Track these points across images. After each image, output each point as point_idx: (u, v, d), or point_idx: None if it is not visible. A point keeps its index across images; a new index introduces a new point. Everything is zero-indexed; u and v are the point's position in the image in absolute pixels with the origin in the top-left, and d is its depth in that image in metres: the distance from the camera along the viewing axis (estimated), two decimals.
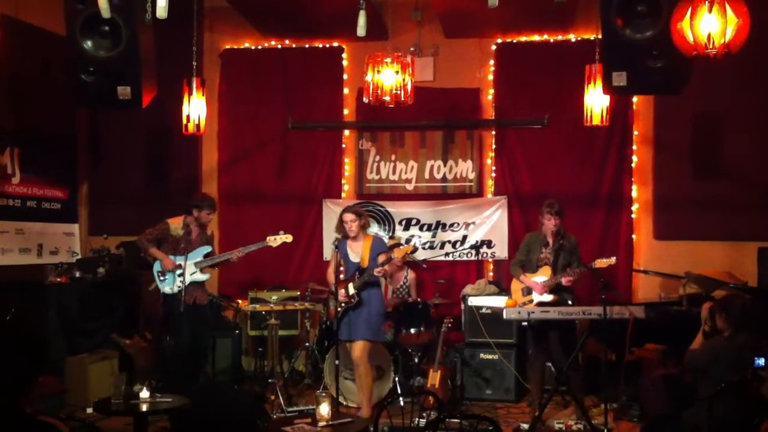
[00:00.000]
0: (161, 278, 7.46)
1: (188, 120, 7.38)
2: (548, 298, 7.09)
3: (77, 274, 8.63)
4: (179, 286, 7.28)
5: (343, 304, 6.92)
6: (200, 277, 7.47)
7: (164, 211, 7.80)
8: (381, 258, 6.89)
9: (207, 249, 7.54)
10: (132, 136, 9.75)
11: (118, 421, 6.36)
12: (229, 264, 7.62)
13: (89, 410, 7.01)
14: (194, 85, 7.33)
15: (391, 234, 9.47)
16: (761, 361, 6.33)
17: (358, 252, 7.04)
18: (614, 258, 7.02)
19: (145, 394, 5.55)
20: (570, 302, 7.11)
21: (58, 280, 8.47)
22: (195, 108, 7.37)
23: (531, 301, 7.16)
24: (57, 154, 9.31)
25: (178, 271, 7.31)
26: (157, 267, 7.49)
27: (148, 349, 8.38)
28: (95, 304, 8.38)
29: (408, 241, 9.42)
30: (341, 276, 7.23)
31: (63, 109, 8.97)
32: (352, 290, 6.93)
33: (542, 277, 7.18)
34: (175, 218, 7.62)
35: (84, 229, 9.82)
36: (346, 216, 7.03)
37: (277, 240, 7.41)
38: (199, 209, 7.53)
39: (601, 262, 6.95)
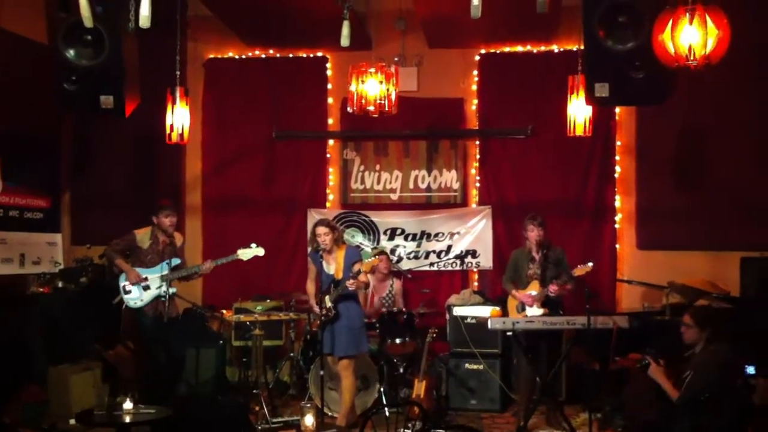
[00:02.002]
0: (126, 291, 7.27)
1: (172, 129, 7.34)
2: (539, 311, 7.12)
3: (60, 284, 8.57)
4: (144, 300, 7.16)
5: (322, 318, 6.87)
6: (167, 290, 7.15)
7: (147, 221, 7.74)
8: (354, 268, 6.86)
9: (176, 261, 7.34)
10: (115, 145, 9.70)
11: None
12: (198, 277, 7.50)
13: (72, 421, 6.93)
14: (178, 95, 7.30)
15: (375, 244, 9.47)
16: (752, 369, 6.41)
17: (332, 264, 6.99)
18: (590, 264, 7.04)
19: (128, 405, 5.51)
20: (561, 313, 7.14)
21: (41, 290, 8.42)
22: (178, 117, 7.34)
23: (526, 316, 7.18)
24: (39, 164, 9.26)
25: (144, 284, 7.18)
26: (122, 280, 7.30)
27: (131, 359, 8.31)
28: (78, 314, 8.31)
29: (393, 251, 9.41)
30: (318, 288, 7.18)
31: (46, 118, 8.92)
32: (328, 303, 6.86)
33: (532, 291, 7.21)
34: (142, 229, 7.45)
35: (67, 238, 9.76)
36: (319, 229, 6.97)
37: (248, 253, 7.26)
38: (157, 216, 7.37)
39: (579, 270, 7.00)
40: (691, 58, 4.70)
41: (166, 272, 7.17)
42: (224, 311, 9.02)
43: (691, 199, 8.88)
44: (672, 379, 5.77)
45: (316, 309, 6.93)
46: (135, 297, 7.24)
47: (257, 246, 7.31)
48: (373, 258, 7.06)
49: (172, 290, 7.24)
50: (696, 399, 5.56)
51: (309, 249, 7.15)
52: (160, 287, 7.17)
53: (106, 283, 8.88)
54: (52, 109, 7.56)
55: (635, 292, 8.95)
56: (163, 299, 7.13)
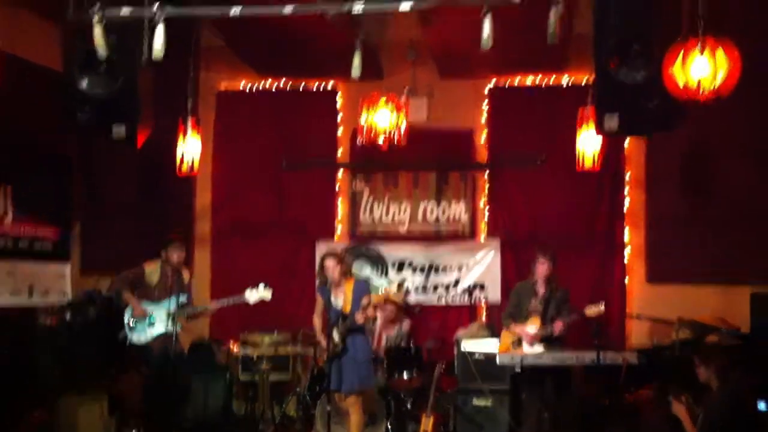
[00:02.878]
0: (131, 326, 7.26)
1: (182, 161, 7.37)
2: (539, 350, 7.05)
3: (68, 316, 8.54)
4: (148, 337, 7.16)
5: (329, 352, 6.81)
6: (171, 328, 7.14)
7: (157, 251, 7.73)
8: (363, 301, 6.82)
9: (182, 298, 7.31)
10: (125, 174, 9.73)
11: None
12: (204, 317, 7.46)
13: None
14: (189, 125, 7.35)
15: (383, 277, 9.40)
16: (762, 405, 6.33)
17: (339, 297, 6.95)
18: (603, 304, 6.99)
19: None
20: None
21: (49, 322, 8.38)
22: (190, 148, 7.38)
23: (522, 351, 7.11)
24: (49, 193, 9.26)
25: (149, 321, 7.18)
26: (127, 315, 7.30)
27: (139, 390, 8.25)
28: (86, 346, 8.26)
29: (400, 284, 9.35)
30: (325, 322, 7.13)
31: (55, 147, 8.95)
32: (336, 338, 6.81)
33: (532, 326, 7.14)
34: (151, 263, 7.45)
35: (76, 268, 9.74)
36: (327, 262, 6.95)
37: (254, 296, 7.20)
38: (165, 250, 7.38)
39: (591, 311, 6.94)
40: (701, 91, 4.71)
41: (173, 308, 7.14)
42: (231, 342, 8.94)
43: (701, 231, 8.82)
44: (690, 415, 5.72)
45: (323, 343, 6.88)
46: (140, 332, 7.21)
47: (265, 287, 7.25)
48: (383, 293, 7.03)
49: (176, 328, 7.17)
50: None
51: (317, 282, 7.11)
52: (166, 324, 7.14)
53: (114, 315, 8.85)
54: (63, 138, 7.58)
55: (644, 326, 8.86)
56: (169, 336, 7.11)
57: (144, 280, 7.34)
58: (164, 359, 7.15)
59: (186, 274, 7.56)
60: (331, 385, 6.80)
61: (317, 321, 7.15)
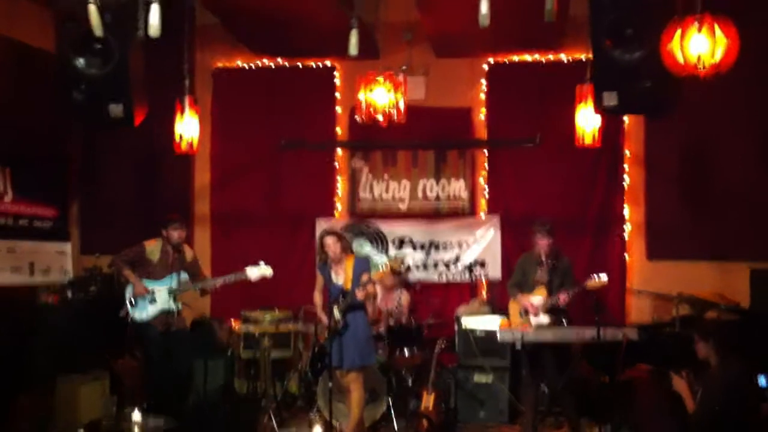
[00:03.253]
0: (132, 304, 7.28)
1: (181, 139, 7.36)
2: (545, 320, 7.07)
3: (69, 294, 8.58)
4: (149, 314, 7.17)
5: (330, 329, 6.84)
6: (173, 305, 7.19)
7: (156, 231, 7.73)
8: (363, 278, 6.84)
9: (183, 276, 7.33)
10: (123, 155, 9.73)
11: None
12: (205, 294, 7.48)
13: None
14: (186, 104, 7.31)
15: (385, 254, 9.41)
16: (762, 381, 6.35)
17: (340, 274, 6.95)
18: (605, 278, 7.01)
19: (136, 416, 5.51)
20: (565, 321, 7.09)
21: (50, 299, 8.42)
22: (187, 127, 7.35)
23: (530, 322, 7.14)
24: (48, 173, 9.29)
25: (150, 297, 7.20)
26: (128, 292, 7.30)
27: (138, 370, 8.30)
28: (87, 324, 8.30)
29: (397, 257, 9.36)
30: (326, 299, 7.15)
31: (53, 128, 8.95)
32: (337, 314, 6.83)
33: (538, 297, 7.17)
34: (152, 241, 7.46)
35: (76, 247, 9.77)
36: (327, 239, 6.94)
37: (255, 273, 7.16)
38: (166, 228, 7.38)
39: (593, 283, 6.95)
40: (701, 66, 4.69)
41: (173, 286, 7.18)
42: (232, 320, 8.98)
43: (700, 208, 8.83)
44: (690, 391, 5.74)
45: (324, 320, 6.91)
46: (141, 309, 7.23)
47: (266, 265, 7.23)
48: (383, 269, 7.04)
49: (177, 305, 7.22)
50: (708, 414, 5.51)
51: (317, 260, 7.12)
52: (167, 302, 7.17)
53: (115, 292, 8.89)
54: (60, 119, 7.57)
55: (644, 304, 8.90)
56: (170, 313, 7.14)
57: (144, 258, 7.34)
58: (165, 336, 7.18)
59: (189, 252, 7.57)
60: (334, 363, 6.83)
61: (318, 298, 7.17)
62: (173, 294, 7.17)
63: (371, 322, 7.65)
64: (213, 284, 7.33)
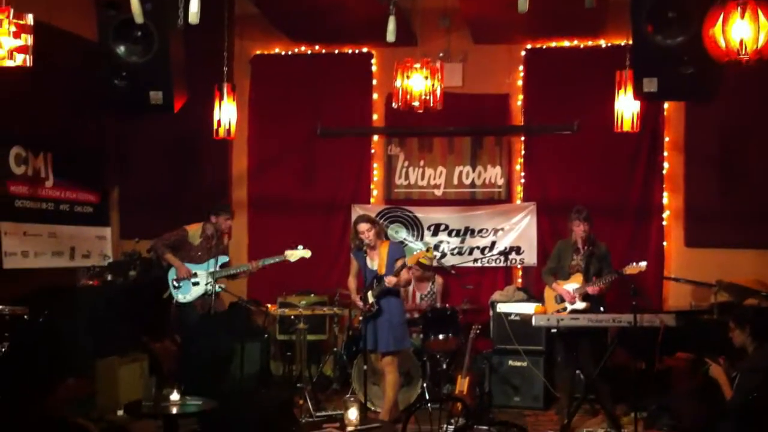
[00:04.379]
0: (175, 286, 7.44)
1: (219, 125, 7.44)
2: (581, 305, 7.07)
3: (109, 278, 8.71)
4: (192, 296, 7.33)
5: (364, 313, 6.90)
6: (214, 288, 7.32)
7: (194, 216, 7.84)
8: (397, 264, 6.87)
9: (224, 259, 7.51)
10: (162, 141, 9.82)
11: (148, 424, 6.39)
12: (245, 276, 7.59)
13: (120, 412, 7.04)
14: (225, 91, 7.38)
15: (421, 243, 9.42)
16: None
17: (375, 259, 7.00)
18: (644, 263, 6.98)
19: (175, 396, 5.59)
20: (602, 309, 7.07)
21: (90, 283, 8.56)
22: (226, 113, 7.42)
23: (564, 309, 7.13)
24: (88, 159, 9.43)
25: (193, 279, 7.34)
26: (172, 274, 7.47)
27: (177, 353, 8.42)
28: (126, 307, 8.42)
29: (437, 247, 9.40)
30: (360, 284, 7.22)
31: (94, 114, 9.08)
32: (371, 299, 6.88)
33: (574, 284, 7.17)
34: (193, 225, 7.62)
35: (115, 232, 9.92)
36: (361, 226, 6.98)
37: (295, 255, 7.34)
38: (216, 215, 7.53)
39: (632, 269, 6.93)
40: (743, 52, 4.63)
41: (214, 269, 7.31)
42: (269, 305, 9.09)
43: (740, 196, 8.74)
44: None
45: (359, 304, 6.98)
46: (184, 292, 7.37)
47: (304, 248, 7.39)
48: (417, 253, 7.08)
49: (219, 287, 7.37)
50: (745, 400, 5.48)
51: (352, 245, 7.17)
52: (208, 283, 7.31)
53: (153, 276, 9.02)
54: (101, 106, 7.69)
55: (682, 290, 8.83)
56: (211, 295, 7.26)
57: (187, 242, 7.52)
58: (205, 318, 7.34)
59: (225, 238, 7.68)
60: (366, 345, 6.89)
61: (352, 283, 7.26)
62: (214, 277, 7.30)
63: (407, 311, 7.73)
64: (254, 266, 7.45)
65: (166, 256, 7.48)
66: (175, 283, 7.43)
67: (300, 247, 7.38)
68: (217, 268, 7.37)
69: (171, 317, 7.73)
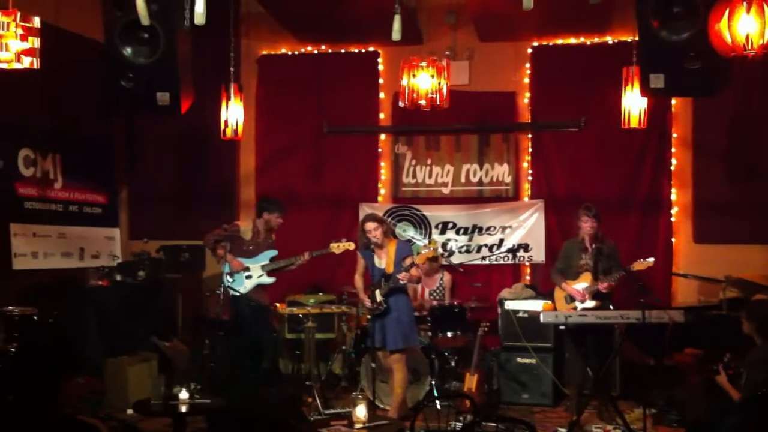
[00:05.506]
0: (230, 279, 7.60)
1: (226, 125, 7.46)
2: (591, 304, 7.07)
3: (118, 278, 8.75)
4: (246, 288, 7.53)
5: (372, 312, 6.92)
6: (266, 280, 7.61)
7: (203, 216, 7.89)
8: (406, 262, 6.88)
9: (273, 253, 7.68)
10: (170, 141, 9.87)
11: (157, 422, 6.44)
12: (294, 268, 7.71)
13: (129, 411, 7.10)
14: (232, 91, 7.40)
15: (428, 239, 9.44)
16: None
17: (383, 258, 7.01)
18: (652, 259, 6.97)
19: (184, 395, 5.62)
20: (611, 307, 7.06)
21: (99, 283, 8.60)
22: (233, 113, 7.44)
23: (575, 308, 7.13)
24: (97, 160, 9.46)
25: (246, 273, 7.53)
26: (225, 268, 7.62)
27: (187, 353, 8.46)
28: (135, 307, 8.48)
29: (444, 245, 9.41)
30: (368, 282, 7.23)
31: (102, 116, 9.11)
32: (379, 297, 6.89)
33: (583, 283, 7.16)
34: (243, 221, 7.92)
35: (124, 233, 9.96)
36: (368, 225, 7.00)
37: (340, 247, 7.49)
38: (270, 212, 7.73)
39: (639, 265, 6.91)
40: (749, 47, 4.62)
41: (266, 262, 7.60)
42: (277, 304, 9.10)
43: (749, 191, 8.72)
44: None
45: (367, 302, 6.99)
46: (238, 284, 7.55)
47: (347, 241, 7.51)
48: (426, 251, 7.08)
49: (271, 279, 7.64)
50: (754, 396, 5.46)
51: (359, 244, 7.19)
52: (260, 276, 7.58)
53: (162, 276, 9.06)
54: (109, 107, 7.72)
55: (691, 286, 8.82)
56: (264, 287, 7.61)
57: (239, 237, 7.68)
58: (259, 310, 7.64)
59: (272, 234, 7.86)
60: (375, 343, 6.90)
61: (359, 281, 7.28)
62: (266, 270, 7.58)
63: (416, 309, 7.74)
64: (302, 259, 7.55)
65: (218, 251, 7.70)
66: (228, 276, 7.59)
67: (344, 240, 7.56)
68: (268, 262, 7.61)
69: (224, 308, 7.82)
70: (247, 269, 7.57)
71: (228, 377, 7.47)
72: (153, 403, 5.63)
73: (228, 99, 7.40)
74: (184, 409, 5.56)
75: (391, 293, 6.90)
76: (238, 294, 7.59)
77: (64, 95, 8.54)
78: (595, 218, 7.17)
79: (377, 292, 6.90)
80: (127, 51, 6.05)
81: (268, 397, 6.12)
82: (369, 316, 6.99)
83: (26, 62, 5.30)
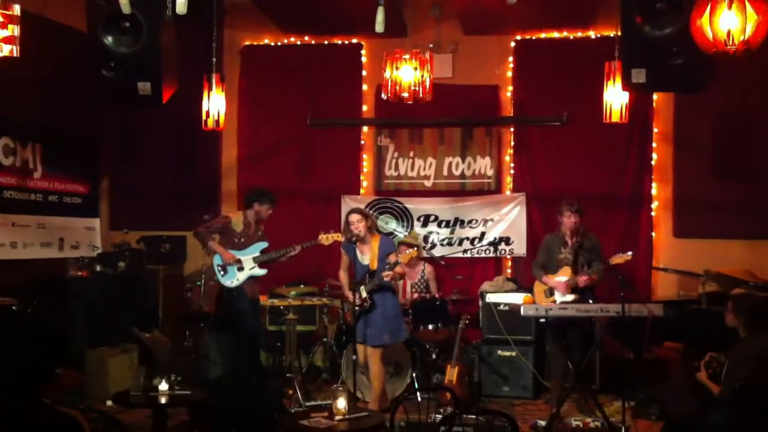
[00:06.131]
0: (222, 272, 7.56)
1: (207, 116, 7.42)
2: (570, 298, 7.10)
3: (98, 269, 8.71)
4: (239, 280, 7.50)
5: (356, 308, 6.91)
6: (259, 271, 7.57)
7: (184, 207, 7.84)
8: (390, 259, 6.87)
9: (264, 244, 7.65)
10: (153, 132, 9.82)
11: (137, 414, 6.41)
12: (286, 259, 7.69)
13: (109, 402, 7.04)
14: (214, 81, 7.36)
15: (409, 230, 9.46)
16: None
17: (366, 253, 7.02)
18: (630, 253, 7.00)
19: (164, 386, 5.60)
20: (591, 301, 7.10)
21: (79, 274, 8.55)
22: (214, 104, 7.40)
23: (554, 302, 7.15)
24: (78, 150, 9.40)
25: (238, 265, 7.50)
26: (217, 260, 7.59)
27: (168, 344, 8.42)
28: (115, 298, 8.44)
29: (426, 237, 9.42)
30: (352, 278, 7.23)
31: (84, 106, 9.03)
32: (363, 293, 6.90)
33: (563, 277, 7.19)
34: (235, 213, 7.84)
35: (105, 223, 9.90)
36: (352, 217, 7.01)
37: (329, 238, 7.48)
38: (260, 203, 7.68)
39: (618, 258, 6.96)
40: (730, 43, 4.63)
41: (257, 254, 7.55)
42: (259, 296, 9.07)
43: (729, 186, 8.77)
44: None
45: (351, 298, 6.97)
46: (231, 277, 7.50)
47: (335, 232, 7.50)
48: (411, 251, 7.09)
49: (263, 271, 7.60)
50: (734, 389, 5.49)
51: (343, 238, 7.17)
52: (252, 268, 7.54)
53: (143, 267, 9.01)
54: (90, 97, 7.65)
55: (671, 280, 8.88)
56: (256, 279, 7.57)
57: (230, 229, 7.65)
58: (253, 303, 7.65)
59: (261, 226, 7.81)
60: (359, 339, 6.90)
61: (343, 277, 7.27)
62: (257, 261, 7.54)
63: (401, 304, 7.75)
64: (295, 250, 7.52)
65: (210, 244, 7.63)
66: (220, 269, 7.55)
67: (332, 230, 7.54)
68: (259, 254, 7.57)
69: (216, 301, 7.79)
70: (239, 261, 7.53)
71: (217, 372, 7.42)
72: (133, 395, 5.61)
73: (210, 89, 7.36)
74: (164, 400, 5.55)
75: (377, 290, 6.91)
76: (230, 287, 7.54)
77: (47, 85, 8.47)
78: (578, 213, 7.20)
79: (362, 288, 6.90)
80: (109, 40, 6.00)
81: (251, 389, 6.13)
82: (353, 312, 6.98)
83: (5, 50, 5.26)
